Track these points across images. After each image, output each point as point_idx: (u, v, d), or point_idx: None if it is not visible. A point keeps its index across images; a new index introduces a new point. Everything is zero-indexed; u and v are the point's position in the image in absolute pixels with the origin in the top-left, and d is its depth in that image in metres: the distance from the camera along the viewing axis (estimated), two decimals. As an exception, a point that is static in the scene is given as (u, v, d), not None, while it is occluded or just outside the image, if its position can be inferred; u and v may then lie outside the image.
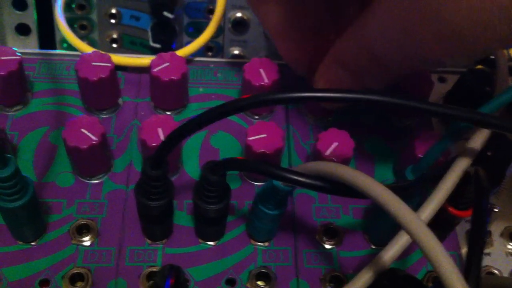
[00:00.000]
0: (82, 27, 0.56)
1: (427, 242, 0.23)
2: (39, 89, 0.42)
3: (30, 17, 0.54)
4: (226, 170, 0.30)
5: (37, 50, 0.43)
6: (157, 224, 0.34)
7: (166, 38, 0.55)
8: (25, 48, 0.51)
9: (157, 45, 0.54)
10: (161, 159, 0.30)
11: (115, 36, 0.56)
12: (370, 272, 0.28)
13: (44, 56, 0.43)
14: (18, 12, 0.53)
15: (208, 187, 0.31)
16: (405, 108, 0.26)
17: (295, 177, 0.28)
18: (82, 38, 0.56)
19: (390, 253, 0.29)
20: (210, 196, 0.31)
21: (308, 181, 0.28)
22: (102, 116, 0.41)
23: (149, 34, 0.55)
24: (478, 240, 0.26)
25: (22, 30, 0.55)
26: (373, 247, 0.37)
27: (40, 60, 0.43)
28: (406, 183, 0.31)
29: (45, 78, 0.42)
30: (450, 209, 0.33)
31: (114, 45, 0.57)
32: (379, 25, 0.30)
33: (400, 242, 0.29)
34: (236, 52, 0.58)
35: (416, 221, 0.23)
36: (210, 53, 0.58)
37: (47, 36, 0.55)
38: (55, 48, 0.56)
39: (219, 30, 0.57)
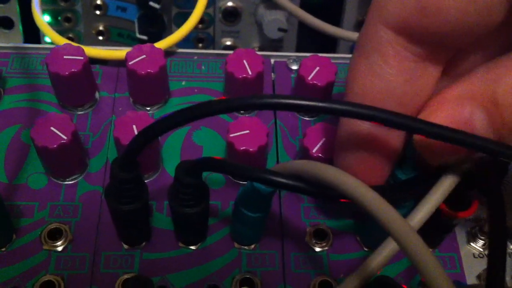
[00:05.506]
0: (67, 20, 0.54)
1: (419, 254, 0.20)
2: (12, 85, 0.39)
3: (12, 9, 0.53)
4: (200, 171, 0.28)
5: (10, 44, 0.41)
6: (132, 229, 0.32)
7: (154, 30, 0.53)
8: (9, 42, 0.49)
9: (144, 37, 0.52)
10: (131, 160, 0.28)
11: (101, 28, 0.55)
12: (356, 281, 0.26)
13: (17, 50, 0.41)
14: None
15: (183, 190, 0.29)
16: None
17: (273, 178, 0.25)
18: (67, 31, 0.54)
19: (379, 259, 0.27)
20: (186, 199, 0.29)
21: (287, 182, 0.25)
22: (78, 112, 0.38)
23: (136, 25, 0.53)
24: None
25: (5, 23, 0.53)
26: (365, 249, 0.35)
27: (13, 55, 0.41)
28: (396, 185, 0.29)
29: (18, 73, 0.40)
30: (448, 210, 0.30)
31: (100, 38, 0.55)
32: None
33: (389, 247, 0.27)
34: (228, 43, 0.56)
35: (405, 229, 0.21)
36: (200, 45, 0.56)
37: (32, 30, 0.53)
38: (40, 43, 0.54)
39: (210, 21, 0.55)
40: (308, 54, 0.39)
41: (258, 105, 0.24)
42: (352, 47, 0.57)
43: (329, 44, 0.58)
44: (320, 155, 0.33)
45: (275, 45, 0.57)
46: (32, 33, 0.54)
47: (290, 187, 0.26)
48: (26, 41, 0.55)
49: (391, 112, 0.24)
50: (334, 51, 0.59)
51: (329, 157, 0.33)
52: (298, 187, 0.25)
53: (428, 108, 0.27)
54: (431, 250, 0.21)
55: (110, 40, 0.56)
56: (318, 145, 0.33)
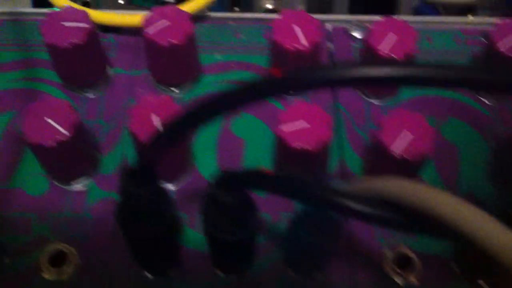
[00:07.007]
0: (82, -19, 0.46)
1: None
2: (3, 60, 0.32)
3: (18, -30, 0.45)
4: (243, 188, 0.20)
5: (1, 9, 0.33)
6: (153, 254, 0.24)
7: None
8: (16, 7, 0.42)
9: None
10: (148, 170, 0.20)
11: (122, -11, 0.47)
12: None
13: (10, 16, 0.33)
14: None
15: (220, 210, 0.21)
16: None
17: (347, 205, 0.17)
18: (82, -6, 0.46)
19: None
20: (224, 221, 0.21)
21: (367, 211, 0.17)
22: (85, 94, 0.30)
23: (163, -16, 0.45)
24: None
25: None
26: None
27: (6, 21, 0.33)
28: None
29: (11, 45, 0.32)
30: None
31: (121, 1, 0.47)
32: None
33: None
34: (269, 6, 0.49)
35: None
36: (236, 9, 0.49)
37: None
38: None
39: (248, -20, 0.47)
40: (377, 17, 0.31)
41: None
42: (415, 8, 0.48)
43: (387, 4, 0.50)
44: (405, 156, 0.24)
45: (324, 7, 0.49)
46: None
47: (374, 219, 0.17)
48: (36, 5, 0.47)
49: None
50: (392, 13, 0.50)
51: (416, 160, 0.25)
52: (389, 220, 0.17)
53: None
54: None
55: (133, 3, 0.48)
56: (400, 143, 0.25)
